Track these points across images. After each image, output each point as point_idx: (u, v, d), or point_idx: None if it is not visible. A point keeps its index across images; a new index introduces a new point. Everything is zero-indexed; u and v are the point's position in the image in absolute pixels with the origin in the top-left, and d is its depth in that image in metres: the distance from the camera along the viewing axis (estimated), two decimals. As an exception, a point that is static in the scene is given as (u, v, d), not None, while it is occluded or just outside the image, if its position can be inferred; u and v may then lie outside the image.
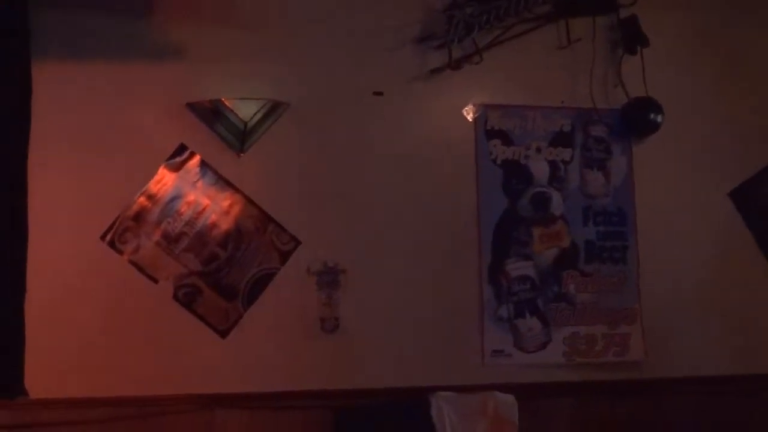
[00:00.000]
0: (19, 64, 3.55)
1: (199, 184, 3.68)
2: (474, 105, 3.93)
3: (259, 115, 3.67)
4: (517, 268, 3.90)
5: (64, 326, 3.53)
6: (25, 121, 3.55)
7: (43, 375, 3.48)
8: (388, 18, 3.86)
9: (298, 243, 3.73)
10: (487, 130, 3.94)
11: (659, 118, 4.02)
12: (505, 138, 3.94)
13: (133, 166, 3.64)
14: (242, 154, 3.70)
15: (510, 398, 3.73)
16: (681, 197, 4.11)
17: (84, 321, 3.55)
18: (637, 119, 4.04)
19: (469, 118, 3.93)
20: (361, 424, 3.67)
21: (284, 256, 3.73)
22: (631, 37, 4.02)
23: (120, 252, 3.60)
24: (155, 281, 3.63)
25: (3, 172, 3.52)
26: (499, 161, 3.93)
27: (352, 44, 3.83)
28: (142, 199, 3.63)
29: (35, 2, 3.54)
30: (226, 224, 3.69)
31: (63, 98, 3.59)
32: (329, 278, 3.74)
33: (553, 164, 3.98)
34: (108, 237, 3.60)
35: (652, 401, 3.98)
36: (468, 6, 3.81)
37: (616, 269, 4.00)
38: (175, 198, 3.66)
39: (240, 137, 3.67)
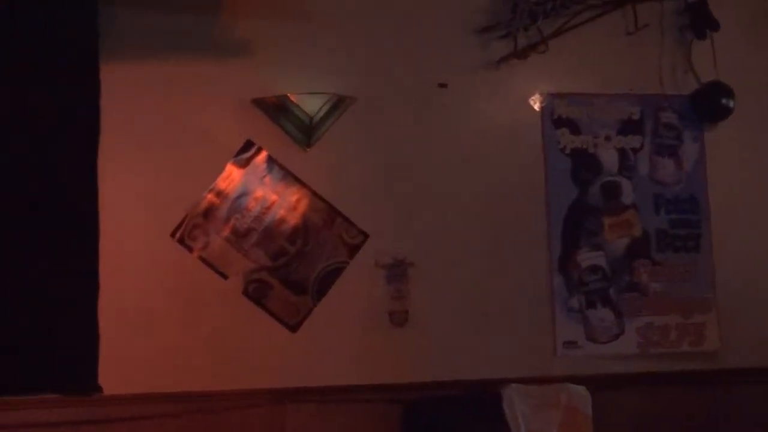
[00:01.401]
0: (87, 64, 3.58)
1: (267, 179, 3.69)
2: (540, 94, 3.89)
3: (324, 110, 3.67)
4: (587, 258, 3.85)
5: (136, 323, 3.56)
6: (94, 121, 3.58)
7: (117, 371, 3.51)
8: (452, 9, 3.83)
9: (366, 236, 3.73)
10: (555, 119, 3.89)
11: (731, 103, 3.94)
12: (573, 127, 3.89)
13: (200, 164, 3.65)
14: (309, 149, 3.70)
15: (583, 390, 3.69)
16: (754, 183, 4.03)
17: (156, 317, 3.58)
18: (709, 105, 3.97)
19: (536, 107, 3.89)
20: (432, 417, 3.65)
21: (352, 250, 3.72)
22: (700, 21, 3.94)
23: (190, 249, 3.63)
24: (225, 277, 3.64)
25: (74, 172, 3.56)
26: (567, 150, 3.89)
27: (417, 36, 3.80)
28: (210, 195, 3.65)
29: (103, 1, 3.57)
30: (294, 219, 3.69)
31: (130, 97, 3.60)
32: (398, 271, 3.73)
33: (622, 152, 3.92)
34: (178, 234, 3.62)
35: (726, 391, 3.90)
36: (533, -6, 3.77)
37: (689, 258, 3.93)
38: (243, 194, 3.67)
39: (306, 132, 3.68)
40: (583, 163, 3.89)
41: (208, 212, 3.65)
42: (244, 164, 3.68)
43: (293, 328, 3.67)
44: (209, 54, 3.66)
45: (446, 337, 3.74)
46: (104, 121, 3.58)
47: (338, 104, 3.69)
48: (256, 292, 3.66)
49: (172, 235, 3.62)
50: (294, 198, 3.70)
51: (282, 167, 3.69)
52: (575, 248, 3.86)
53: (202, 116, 3.66)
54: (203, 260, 3.63)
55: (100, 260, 3.55)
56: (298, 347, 3.66)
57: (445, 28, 3.82)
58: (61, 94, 3.55)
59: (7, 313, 3.45)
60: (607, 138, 3.91)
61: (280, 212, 3.68)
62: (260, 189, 3.68)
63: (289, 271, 3.68)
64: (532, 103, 3.88)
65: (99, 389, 3.51)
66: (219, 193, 3.65)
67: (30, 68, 3.51)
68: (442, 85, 3.80)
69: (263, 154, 3.68)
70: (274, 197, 3.68)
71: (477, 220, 3.80)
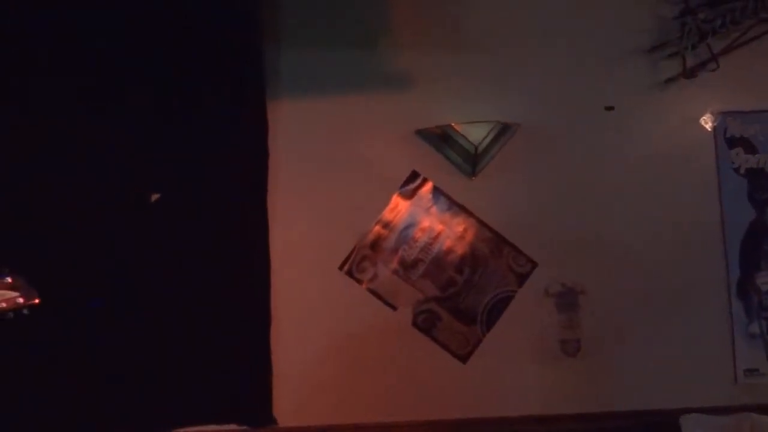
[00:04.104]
0: (254, 104, 3.66)
1: (433, 209, 3.68)
2: (712, 113, 3.76)
3: (489, 138, 3.65)
4: (768, 281, 3.71)
5: (307, 355, 3.61)
6: (262, 159, 3.65)
7: (291, 403, 3.57)
8: (616, 30, 3.74)
9: (534, 265, 3.68)
10: (728, 139, 3.76)
11: None
12: (748, 146, 3.75)
13: (367, 196, 3.68)
14: (474, 178, 3.68)
15: (767, 420, 3.53)
16: None
17: (327, 349, 3.63)
18: None
19: (708, 127, 3.76)
20: (607, 448, 3.57)
21: (521, 279, 3.68)
22: None
23: (359, 281, 3.65)
24: (394, 308, 3.65)
25: (244, 209, 3.64)
26: (742, 170, 3.75)
27: (580, 59, 3.73)
28: (377, 227, 3.67)
29: (268, 40, 3.63)
30: (461, 249, 3.67)
31: (296, 132, 3.67)
32: (568, 299, 3.67)
33: (802, 171, 3.77)
34: (346, 267, 3.65)
35: None
36: (701, 11, 3.65)
37: None
38: (410, 225, 3.68)
39: (471, 161, 3.66)
40: (760, 183, 3.74)
41: (376, 244, 3.66)
42: (410, 195, 3.68)
43: (463, 359, 3.65)
44: (371, 87, 3.69)
45: (621, 366, 3.66)
46: (272, 158, 3.64)
47: (503, 132, 3.66)
48: (425, 323, 3.65)
49: (341, 267, 3.65)
50: (460, 228, 3.68)
51: (448, 197, 3.69)
52: (754, 271, 3.71)
53: (367, 149, 3.69)
54: (372, 292, 3.65)
55: (272, 293, 3.61)
56: (469, 378, 3.65)
57: (609, 49, 3.73)
58: (230, 133, 3.63)
59: (183, 348, 3.54)
60: (786, 156, 3.76)
61: (447, 242, 3.67)
62: (427, 219, 3.68)
63: (458, 301, 3.66)
64: (703, 123, 3.76)
65: (273, 421, 3.57)
66: (386, 225, 3.67)
67: (198, 108, 3.61)
68: (609, 108, 3.72)
69: (429, 185, 3.68)
70: (440, 227, 3.68)
71: (649, 245, 3.70)
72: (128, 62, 3.54)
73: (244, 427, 3.58)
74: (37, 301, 2.82)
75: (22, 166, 3.48)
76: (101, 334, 3.49)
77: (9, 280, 2.80)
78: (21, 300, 2.80)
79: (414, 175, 3.68)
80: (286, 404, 3.57)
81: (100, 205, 3.55)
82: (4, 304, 2.78)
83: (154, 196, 3.58)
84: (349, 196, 3.67)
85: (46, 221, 3.51)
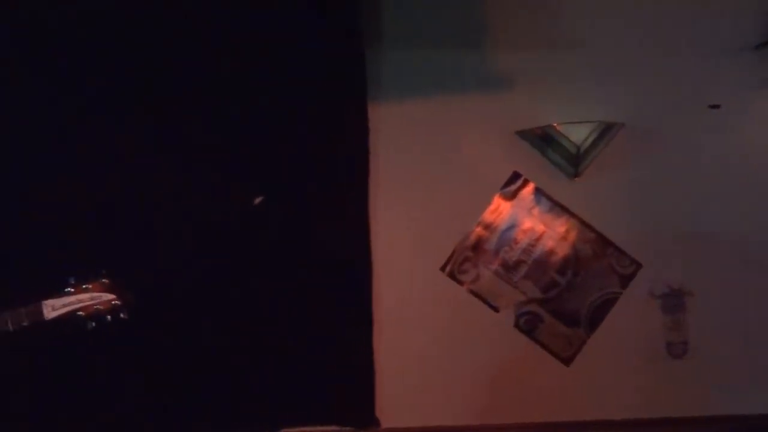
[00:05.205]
0: (355, 105, 3.67)
1: (535, 211, 3.66)
2: (822, 111, 3.69)
3: (591, 138, 3.62)
4: None
5: (410, 357, 3.61)
6: (364, 159, 3.66)
7: (393, 404, 3.57)
8: (721, 27, 3.68)
9: (638, 266, 3.64)
10: (839, 138, 3.68)
11: None
12: None
13: (468, 197, 3.68)
14: (576, 179, 3.64)
15: None
16: None
17: (429, 351, 3.62)
18: None
19: (817, 126, 3.69)
20: (715, 452, 3.52)
21: (625, 280, 3.64)
22: None
23: (460, 282, 3.65)
24: (496, 310, 3.64)
25: (345, 212, 3.65)
26: None
27: (684, 57, 3.67)
28: (478, 229, 3.66)
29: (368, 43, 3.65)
30: (563, 250, 3.65)
31: (397, 134, 3.67)
32: (674, 301, 3.62)
33: None
34: (448, 268, 3.65)
35: None
36: (810, 6, 3.57)
37: None
38: (511, 226, 3.66)
39: (573, 161, 3.63)
40: None
41: (477, 245, 3.66)
42: (511, 196, 3.67)
43: (567, 361, 3.62)
44: (472, 88, 3.68)
45: (730, 369, 3.59)
46: (373, 159, 3.65)
47: (605, 131, 3.62)
48: (528, 325, 3.64)
49: (442, 269, 3.65)
50: (563, 229, 3.65)
51: (549, 198, 3.66)
52: None
53: (468, 150, 3.69)
54: (474, 293, 3.65)
55: (373, 296, 3.62)
56: (573, 380, 3.62)
57: (714, 46, 3.67)
58: (332, 135, 3.64)
59: (287, 350, 3.57)
60: None
61: (549, 243, 3.65)
62: (528, 220, 3.66)
63: (560, 302, 3.64)
64: (813, 121, 3.68)
65: (376, 422, 3.57)
66: (487, 226, 3.66)
67: (300, 111, 3.62)
68: (714, 107, 3.66)
69: (530, 186, 3.66)
70: (542, 228, 3.65)
71: (756, 245, 3.64)
72: (235, 69, 3.57)
73: (347, 428, 3.59)
74: (133, 303, 2.81)
75: (130, 167, 3.52)
76: (207, 337, 3.53)
77: (105, 281, 2.79)
78: (118, 302, 2.78)
79: (515, 176, 3.67)
80: (388, 405, 3.57)
81: (203, 208, 3.58)
82: (100, 307, 2.77)
83: (257, 199, 3.61)
84: (450, 197, 3.67)
85: (152, 225, 3.55)
